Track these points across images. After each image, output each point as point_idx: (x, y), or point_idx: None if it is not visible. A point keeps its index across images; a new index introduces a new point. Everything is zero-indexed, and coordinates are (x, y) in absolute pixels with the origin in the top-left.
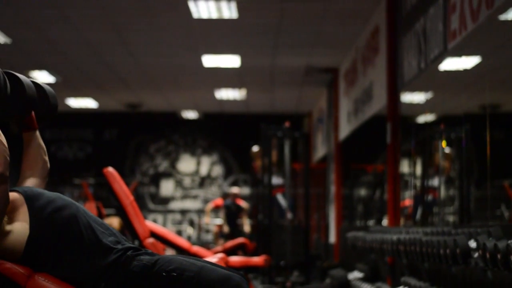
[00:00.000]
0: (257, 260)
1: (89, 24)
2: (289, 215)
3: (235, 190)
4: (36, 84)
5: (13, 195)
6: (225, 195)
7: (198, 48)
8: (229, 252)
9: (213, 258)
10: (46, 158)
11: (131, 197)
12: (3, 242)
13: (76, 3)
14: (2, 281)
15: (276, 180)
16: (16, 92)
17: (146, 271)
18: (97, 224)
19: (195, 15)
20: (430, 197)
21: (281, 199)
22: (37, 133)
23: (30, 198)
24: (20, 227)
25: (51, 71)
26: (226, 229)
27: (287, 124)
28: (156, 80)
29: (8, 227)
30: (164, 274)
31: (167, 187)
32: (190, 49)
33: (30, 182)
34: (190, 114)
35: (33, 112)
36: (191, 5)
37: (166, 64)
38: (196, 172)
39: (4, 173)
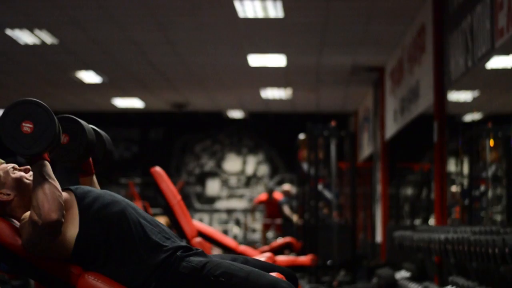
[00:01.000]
0: (304, 259)
1: (136, 24)
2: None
3: (286, 187)
4: (94, 130)
5: (64, 194)
6: (270, 191)
7: (244, 48)
8: (276, 251)
9: (261, 258)
10: None
11: (179, 197)
12: (56, 242)
13: (122, 3)
14: (52, 280)
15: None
16: (77, 137)
17: (195, 274)
18: (146, 221)
19: (241, 14)
20: (477, 195)
21: (326, 192)
22: (94, 177)
23: (79, 196)
24: (69, 226)
25: (98, 71)
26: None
27: (333, 123)
28: (202, 79)
29: None
30: (212, 278)
31: (213, 187)
32: (236, 49)
33: None
34: (236, 114)
35: (90, 158)
36: (237, 4)
37: (212, 64)
38: (242, 171)
39: (58, 219)
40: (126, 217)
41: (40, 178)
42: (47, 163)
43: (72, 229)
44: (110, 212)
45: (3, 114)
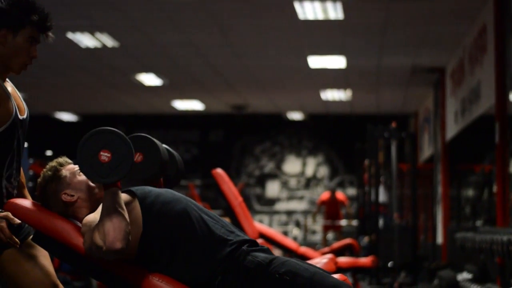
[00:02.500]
0: (365, 261)
1: (196, 27)
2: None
3: None
4: (167, 150)
5: (126, 196)
6: (332, 190)
7: (304, 49)
8: (337, 253)
9: (323, 259)
10: None
11: (240, 198)
12: None
13: (182, 6)
14: (117, 281)
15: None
16: (151, 157)
17: (260, 269)
18: (208, 216)
19: (301, 16)
20: None
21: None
22: None
23: (141, 196)
24: (133, 226)
25: (158, 74)
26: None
27: (393, 124)
28: (262, 81)
29: None
30: (277, 276)
31: (272, 188)
32: (295, 50)
33: None
34: (296, 115)
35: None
36: (297, 6)
37: (272, 66)
38: (302, 173)
39: (122, 248)
40: (188, 214)
41: (110, 205)
42: (118, 191)
43: (136, 230)
44: (172, 210)
45: (82, 141)
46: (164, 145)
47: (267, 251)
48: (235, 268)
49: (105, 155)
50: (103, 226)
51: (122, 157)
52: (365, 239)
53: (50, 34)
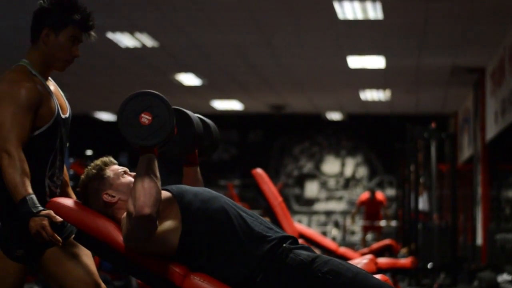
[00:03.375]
0: (404, 261)
1: (235, 27)
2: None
3: None
4: (202, 120)
5: (163, 193)
6: (372, 191)
7: (343, 49)
8: (376, 253)
9: (363, 260)
10: None
11: (280, 198)
12: (158, 241)
13: (222, 6)
14: (157, 280)
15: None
16: (185, 130)
17: (302, 268)
18: (246, 214)
19: (340, 16)
20: None
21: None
22: (197, 168)
23: (178, 194)
24: (173, 224)
25: (197, 74)
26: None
27: (433, 125)
28: (301, 81)
29: (161, 227)
30: (319, 275)
31: (311, 189)
32: (335, 51)
33: None
34: (335, 116)
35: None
36: (336, 6)
37: (311, 66)
38: (341, 173)
39: (151, 215)
40: (226, 211)
41: (144, 171)
42: (154, 158)
43: (175, 227)
44: (211, 208)
45: (124, 102)
46: (197, 115)
47: (309, 249)
48: (277, 265)
49: (146, 118)
50: (135, 191)
51: (163, 121)
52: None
53: (92, 33)
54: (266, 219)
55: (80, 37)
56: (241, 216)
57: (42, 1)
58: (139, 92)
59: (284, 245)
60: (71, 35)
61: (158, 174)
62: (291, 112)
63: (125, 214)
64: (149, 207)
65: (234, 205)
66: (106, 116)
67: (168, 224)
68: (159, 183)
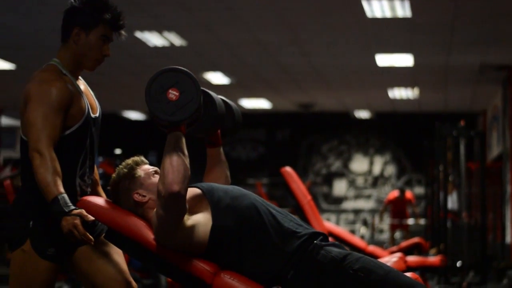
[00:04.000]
0: (433, 260)
1: (263, 25)
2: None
3: None
4: (224, 102)
5: (192, 190)
6: (401, 190)
7: (372, 48)
8: (405, 251)
9: (393, 258)
10: (228, 172)
11: (309, 196)
12: (188, 236)
13: (250, 4)
14: (187, 277)
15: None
16: (208, 110)
17: (334, 265)
18: (276, 211)
19: (369, 14)
20: None
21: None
22: (221, 149)
23: (208, 191)
24: (203, 220)
25: (225, 72)
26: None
27: (462, 123)
28: (329, 80)
29: (191, 221)
30: (351, 272)
31: (340, 187)
32: (363, 49)
33: None
34: (363, 114)
35: (219, 129)
36: (365, 4)
37: (339, 64)
38: (369, 171)
39: (180, 192)
40: (257, 208)
41: (172, 148)
42: (182, 136)
43: (205, 224)
44: (240, 205)
45: (152, 77)
46: (220, 96)
47: (340, 247)
48: (308, 262)
49: (173, 93)
50: (163, 169)
51: (190, 97)
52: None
53: (122, 32)
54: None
55: (111, 36)
56: (271, 213)
57: (73, 1)
58: (167, 68)
59: (315, 241)
60: (102, 34)
61: (186, 151)
62: (319, 111)
63: (155, 210)
64: (177, 184)
65: (263, 202)
66: (134, 115)
67: (198, 220)
68: (187, 161)
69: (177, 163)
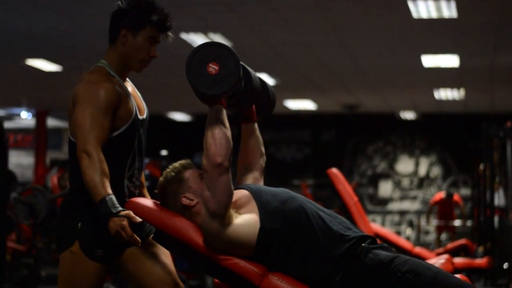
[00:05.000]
0: (480, 261)
1: (308, 26)
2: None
3: None
4: (260, 80)
5: (241, 191)
6: (448, 192)
7: (417, 48)
8: (451, 253)
9: (440, 260)
10: (263, 149)
11: (355, 198)
12: (235, 236)
13: (295, 5)
14: (235, 278)
15: None
16: (244, 83)
17: (382, 267)
18: (324, 213)
19: (415, 15)
20: None
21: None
22: (255, 125)
23: (257, 193)
24: (250, 221)
25: (271, 74)
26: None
27: (508, 123)
28: (374, 80)
29: (238, 222)
30: (399, 274)
31: (385, 188)
32: (409, 49)
33: (249, 175)
34: (408, 115)
35: (254, 105)
36: (411, 5)
37: (385, 65)
38: (415, 173)
39: (223, 164)
40: (305, 211)
41: (213, 121)
42: (223, 109)
43: (253, 226)
44: (289, 208)
45: (193, 51)
46: (256, 74)
47: (388, 249)
48: (356, 265)
49: (213, 67)
50: (205, 142)
51: (230, 71)
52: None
53: (169, 34)
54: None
55: (158, 37)
56: (319, 216)
57: (120, 2)
58: (206, 43)
59: (363, 244)
60: (149, 36)
61: (227, 124)
62: (364, 112)
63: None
64: (220, 156)
65: (312, 204)
66: (180, 117)
67: (246, 220)
68: (228, 133)
69: (218, 136)
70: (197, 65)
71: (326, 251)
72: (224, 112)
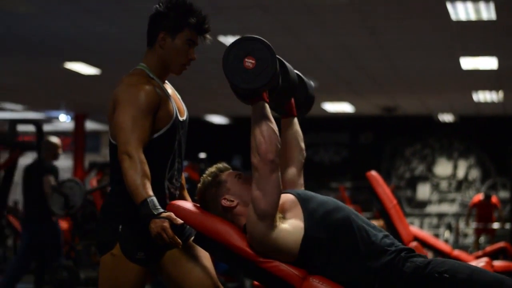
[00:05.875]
0: None
1: (346, 29)
2: None
3: None
4: (298, 75)
5: (287, 196)
6: (487, 194)
7: (456, 50)
8: (491, 256)
9: (480, 262)
10: (303, 144)
11: (394, 201)
12: (280, 241)
13: (332, 8)
14: (276, 281)
15: None
16: (282, 77)
17: (418, 272)
18: (369, 226)
19: (453, 17)
20: None
21: None
22: (295, 120)
23: (304, 200)
24: (295, 227)
25: (308, 76)
26: None
27: None
28: (412, 83)
29: (284, 226)
30: (436, 275)
31: (423, 191)
32: (447, 52)
33: (288, 170)
34: (447, 117)
35: (292, 99)
36: (449, 7)
37: (423, 67)
38: (453, 175)
39: (274, 160)
40: (350, 223)
41: (259, 118)
42: (266, 105)
43: (298, 233)
44: (335, 218)
45: (228, 48)
46: (295, 70)
47: (424, 257)
48: (394, 274)
49: (249, 62)
50: (255, 140)
51: (266, 63)
52: None
53: (207, 36)
54: (380, 222)
55: (196, 40)
56: (364, 228)
57: (158, 5)
58: (240, 38)
59: (401, 254)
60: (187, 39)
61: (272, 118)
62: (402, 114)
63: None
64: (271, 152)
65: (357, 217)
66: (217, 119)
67: (291, 226)
68: (275, 127)
69: (267, 132)
70: (233, 62)
71: (366, 264)
72: (268, 108)
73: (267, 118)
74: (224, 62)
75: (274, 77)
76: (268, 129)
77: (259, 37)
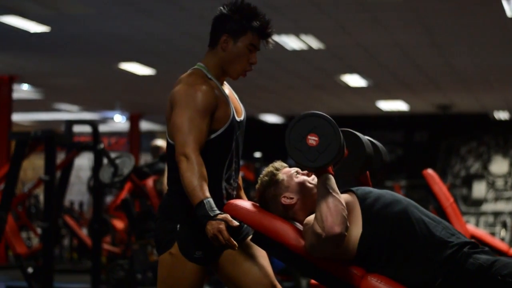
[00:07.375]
0: None
1: (401, 27)
2: None
3: None
4: (371, 142)
5: (345, 195)
6: None
7: (511, 47)
8: None
9: None
10: None
11: (451, 199)
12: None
13: (388, 6)
14: (334, 281)
15: None
16: (356, 151)
17: (481, 272)
18: (429, 218)
19: (509, 13)
20: None
21: None
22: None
23: (361, 197)
24: (353, 227)
25: (363, 75)
26: None
27: None
28: (467, 80)
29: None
30: (499, 278)
31: (479, 189)
32: (503, 48)
33: None
34: (502, 115)
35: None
36: (505, 3)
37: (478, 64)
38: (509, 173)
39: (342, 233)
40: (408, 216)
41: (324, 191)
42: (331, 176)
43: (356, 230)
44: (392, 211)
45: (290, 126)
46: (366, 137)
47: (488, 253)
48: (456, 270)
49: (312, 139)
50: (321, 212)
51: (330, 140)
52: None
53: (270, 40)
54: None
55: (258, 44)
56: (423, 221)
57: (222, 8)
58: (302, 115)
59: (464, 250)
60: (250, 43)
61: (337, 190)
62: (457, 112)
63: (308, 218)
64: (338, 225)
65: (417, 209)
66: (272, 119)
67: (351, 228)
68: (342, 199)
69: (333, 204)
70: (296, 140)
71: (427, 257)
72: (333, 179)
73: (333, 190)
74: (287, 140)
75: (338, 154)
76: (334, 201)
77: (321, 113)
